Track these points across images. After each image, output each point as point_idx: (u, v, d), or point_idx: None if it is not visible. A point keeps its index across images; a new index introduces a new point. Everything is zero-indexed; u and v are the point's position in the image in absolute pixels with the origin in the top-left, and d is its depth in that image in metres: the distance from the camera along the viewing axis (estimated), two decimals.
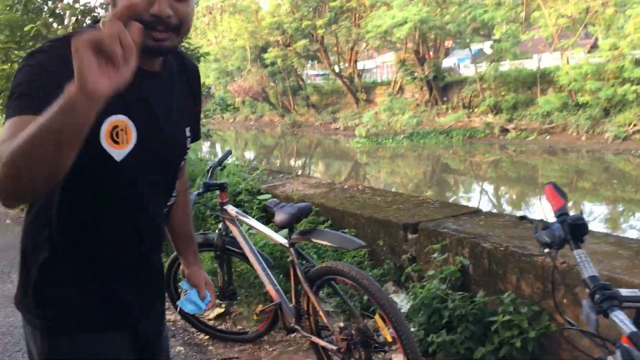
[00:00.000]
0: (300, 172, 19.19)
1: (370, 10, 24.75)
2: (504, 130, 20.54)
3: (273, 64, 31.20)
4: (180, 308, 1.83)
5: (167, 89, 1.29)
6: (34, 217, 1.27)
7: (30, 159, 0.85)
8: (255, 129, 34.35)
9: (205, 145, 16.42)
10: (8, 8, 7.26)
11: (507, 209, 12.66)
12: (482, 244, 2.96)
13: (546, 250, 1.29)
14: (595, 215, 11.24)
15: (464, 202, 13.30)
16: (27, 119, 0.95)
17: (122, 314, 1.31)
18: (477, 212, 3.72)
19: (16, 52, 7.45)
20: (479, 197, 14.14)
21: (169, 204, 1.42)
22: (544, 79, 20.61)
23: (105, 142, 1.14)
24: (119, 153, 1.16)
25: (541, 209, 12.19)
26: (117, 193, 1.23)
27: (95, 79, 0.77)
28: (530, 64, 22.90)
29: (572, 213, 1.32)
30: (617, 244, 2.74)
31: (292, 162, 22.20)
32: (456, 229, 3.23)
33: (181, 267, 1.75)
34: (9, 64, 7.45)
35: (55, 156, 0.85)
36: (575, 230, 1.26)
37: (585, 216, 1.33)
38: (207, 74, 34.03)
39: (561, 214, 1.30)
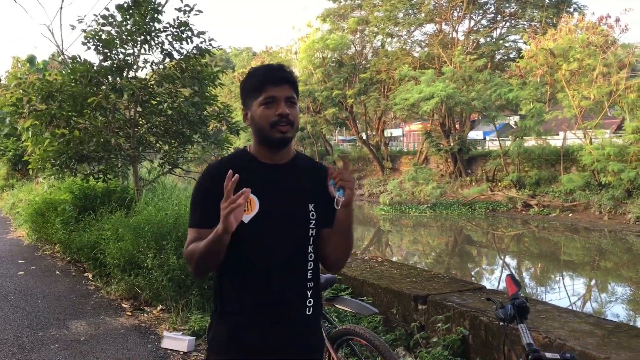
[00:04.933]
0: None
1: (399, 83, 25.78)
2: (527, 206, 20.86)
3: (302, 129, 32.42)
4: None
5: (292, 176, 1.79)
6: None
7: (205, 260, 1.68)
8: None
9: None
10: (73, 81, 8.13)
11: (529, 284, 12.85)
12: (481, 317, 3.43)
13: (501, 323, 1.80)
14: (618, 295, 11.40)
15: (485, 275, 13.57)
16: (201, 230, 1.71)
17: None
18: (481, 288, 4.20)
19: (75, 119, 8.30)
20: (499, 271, 14.36)
21: (310, 268, 1.79)
22: (568, 157, 20.95)
23: None
24: (246, 217, 1.69)
25: (563, 286, 12.41)
26: (247, 248, 1.73)
27: (233, 225, 1.51)
28: (556, 141, 23.38)
29: (523, 297, 1.83)
30: (595, 324, 3.19)
31: None
32: (460, 302, 3.71)
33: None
34: (68, 130, 8.27)
35: (217, 258, 1.68)
36: (520, 310, 1.77)
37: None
38: (239, 137, 35.27)
39: (513, 298, 1.82)
